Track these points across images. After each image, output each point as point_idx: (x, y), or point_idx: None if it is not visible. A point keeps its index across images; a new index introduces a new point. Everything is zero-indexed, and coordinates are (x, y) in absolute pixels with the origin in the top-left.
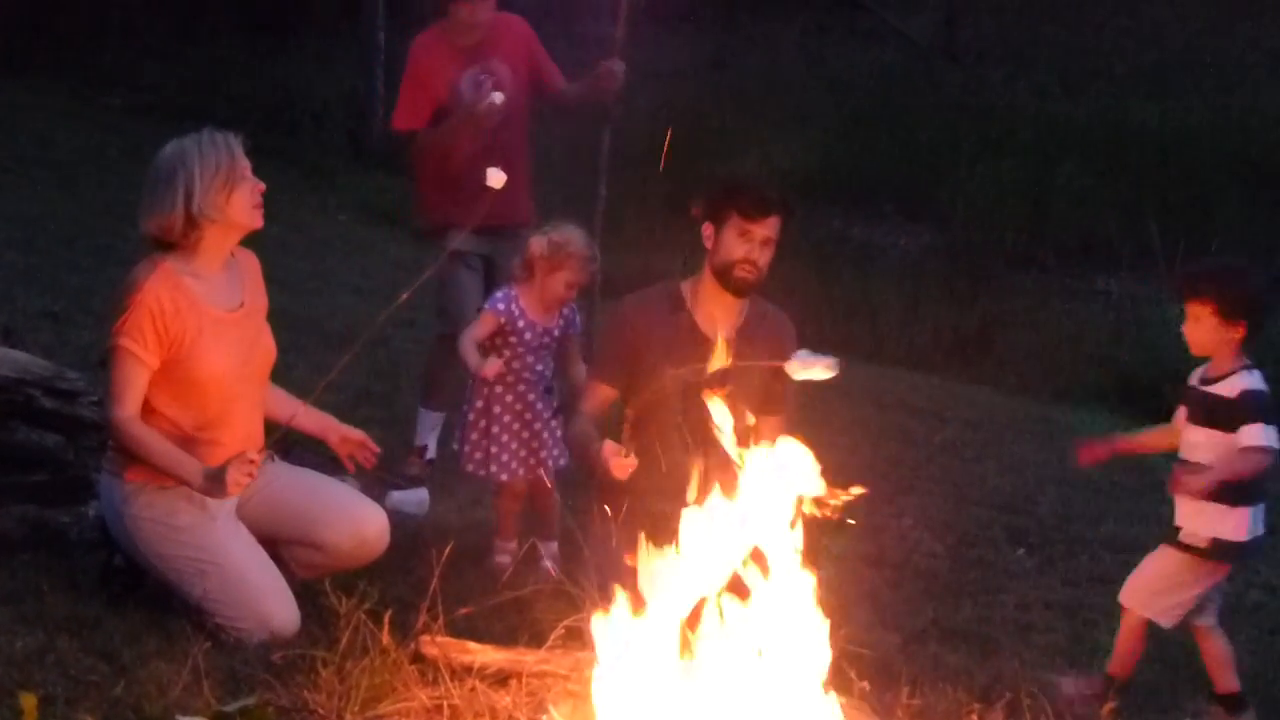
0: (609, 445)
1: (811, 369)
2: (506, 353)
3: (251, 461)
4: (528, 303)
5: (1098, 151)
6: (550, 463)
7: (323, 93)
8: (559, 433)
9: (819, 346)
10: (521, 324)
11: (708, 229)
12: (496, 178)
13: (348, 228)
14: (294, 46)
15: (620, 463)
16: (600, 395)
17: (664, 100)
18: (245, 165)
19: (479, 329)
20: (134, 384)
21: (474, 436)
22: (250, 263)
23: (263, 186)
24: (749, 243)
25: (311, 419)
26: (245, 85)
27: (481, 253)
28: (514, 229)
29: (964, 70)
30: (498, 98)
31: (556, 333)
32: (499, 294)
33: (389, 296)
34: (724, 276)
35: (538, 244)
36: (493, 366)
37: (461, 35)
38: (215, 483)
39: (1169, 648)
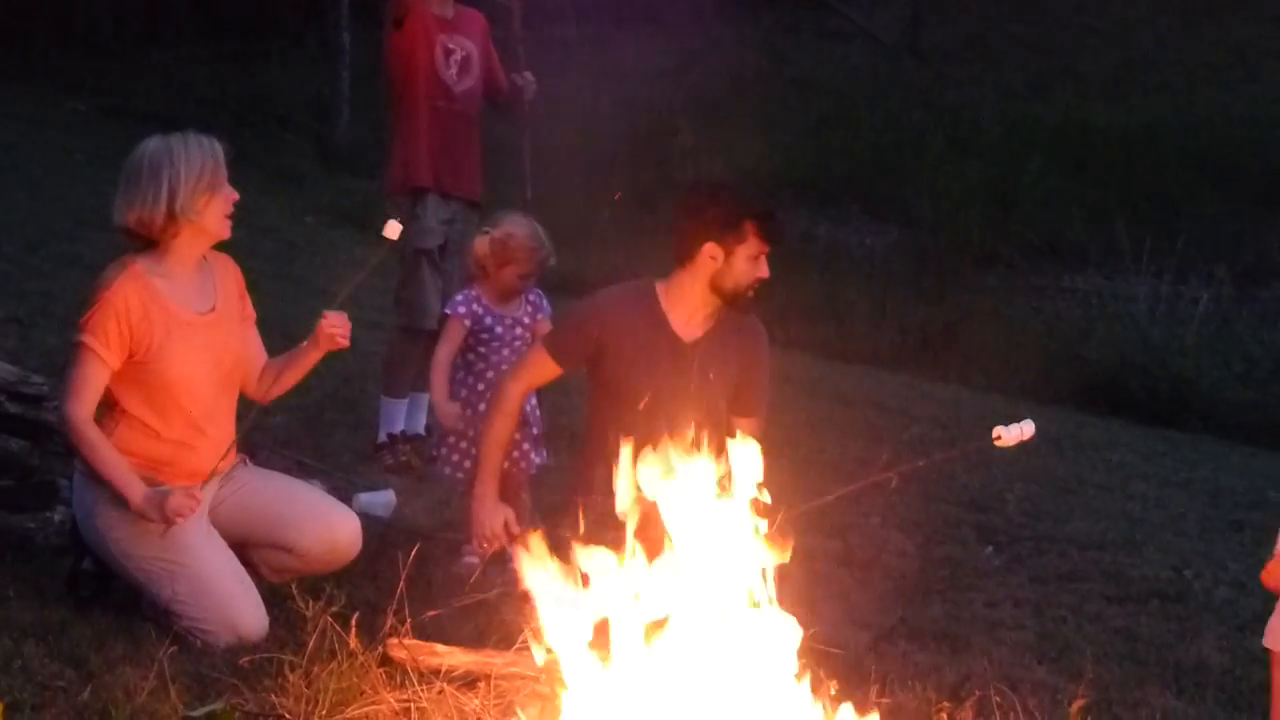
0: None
1: (1015, 434)
2: (481, 349)
3: (194, 497)
4: (489, 298)
5: (1064, 150)
6: (524, 463)
7: (288, 96)
8: (535, 432)
9: (785, 345)
10: (489, 320)
11: (711, 247)
12: (393, 229)
13: (314, 230)
14: (259, 50)
15: (484, 536)
16: (544, 370)
17: (630, 101)
18: (225, 173)
19: (449, 342)
20: (91, 382)
21: (451, 439)
22: (226, 267)
23: (235, 197)
24: (761, 265)
25: (300, 359)
26: (211, 89)
27: (443, 219)
28: (471, 203)
29: (930, 70)
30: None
31: (527, 320)
32: (458, 297)
33: (355, 299)
34: (731, 294)
35: (480, 244)
36: (451, 412)
37: (437, 5)
38: (154, 507)
39: (1138, 646)
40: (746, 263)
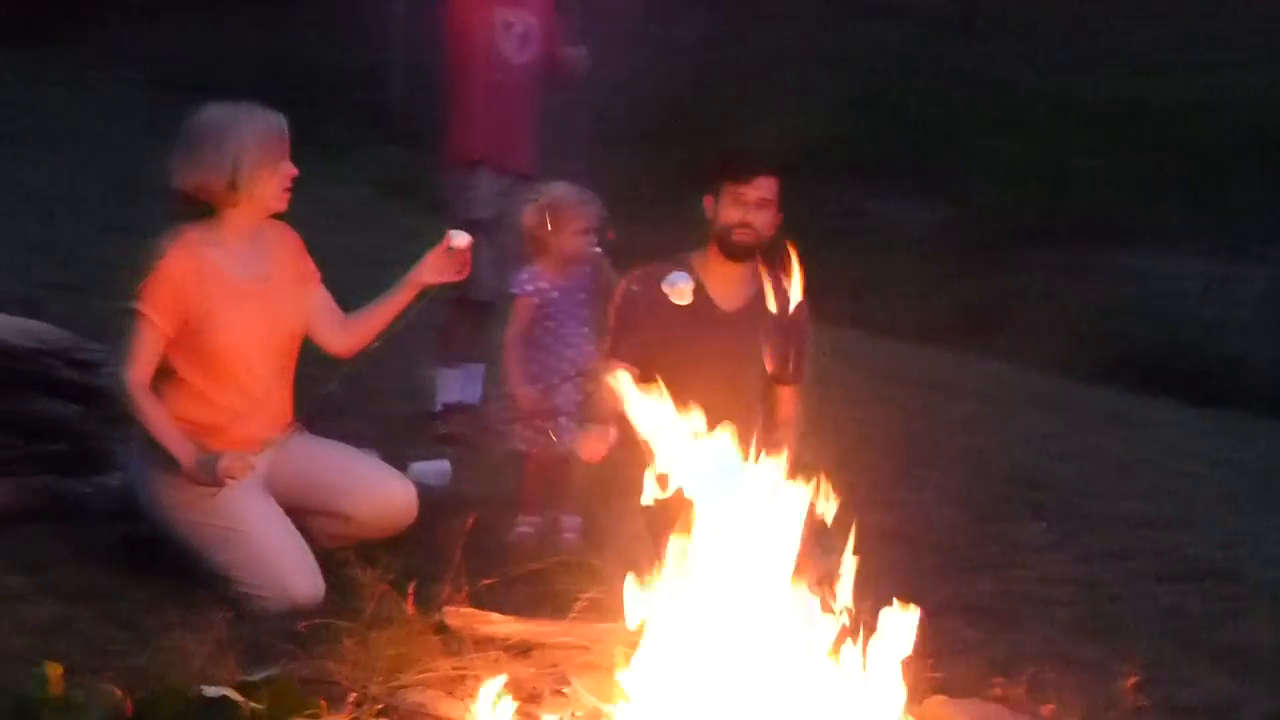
0: (592, 429)
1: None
2: (549, 323)
3: (245, 460)
4: (552, 273)
5: (1113, 126)
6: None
7: (340, 65)
8: (576, 415)
9: (834, 320)
10: (555, 295)
11: (708, 201)
12: (461, 239)
13: (366, 201)
14: (312, 19)
15: (591, 445)
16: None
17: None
18: (287, 147)
19: (518, 322)
20: (146, 350)
21: (526, 414)
22: (282, 234)
23: (294, 172)
24: (743, 206)
25: (394, 301)
26: (262, 58)
27: (500, 190)
28: (525, 177)
29: (978, 45)
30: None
31: (587, 283)
32: (522, 276)
33: (407, 268)
34: (724, 243)
35: (529, 215)
36: (530, 394)
37: None
38: (206, 470)
39: (1189, 624)
40: (728, 205)
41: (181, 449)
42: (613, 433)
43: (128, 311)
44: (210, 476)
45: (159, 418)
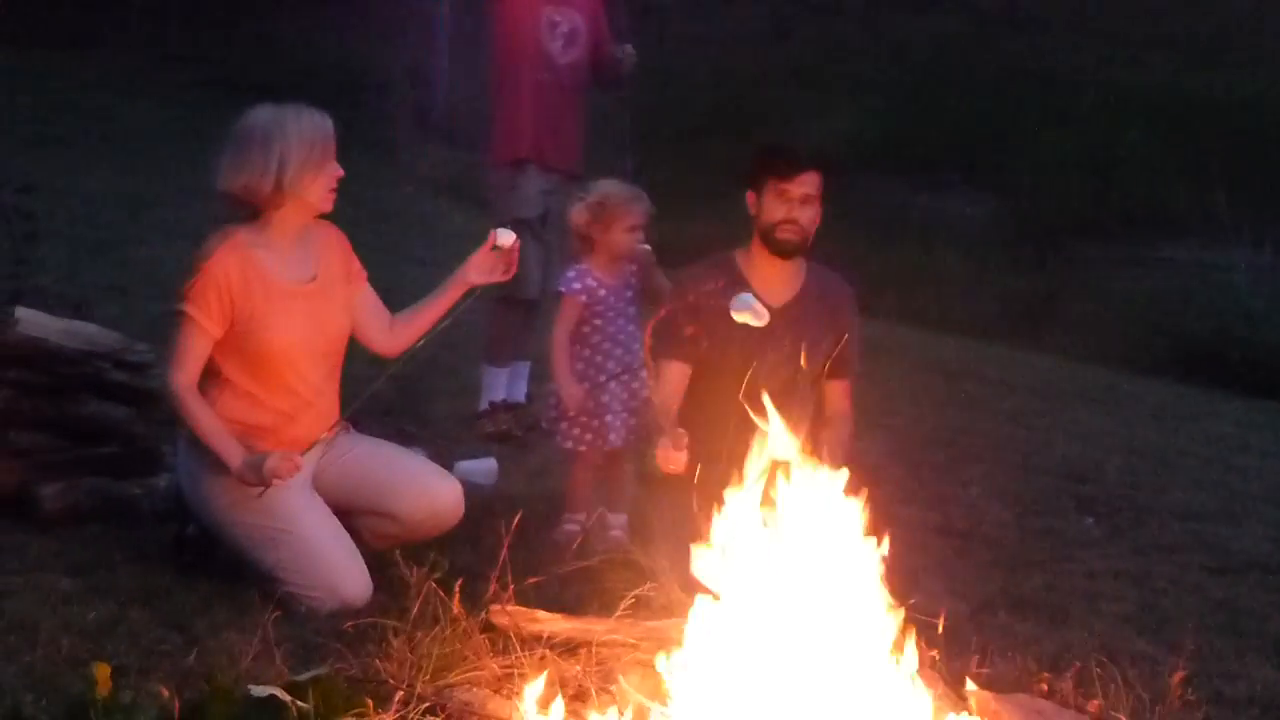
0: (668, 436)
1: (745, 314)
2: (597, 321)
3: (292, 459)
4: (600, 271)
5: (1162, 118)
6: (622, 438)
7: (386, 65)
8: (644, 393)
9: (882, 315)
10: (603, 293)
11: (751, 197)
12: (506, 237)
13: (411, 200)
14: (356, 19)
15: (669, 456)
16: (674, 375)
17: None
18: (333, 149)
19: (566, 321)
20: (193, 351)
21: (574, 413)
22: (329, 235)
23: (340, 173)
24: (787, 202)
25: (443, 299)
26: (308, 58)
27: (546, 189)
28: (572, 175)
29: (1027, 37)
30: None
31: (635, 281)
32: (570, 274)
33: (453, 269)
34: (769, 240)
35: (577, 214)
36: (577, 393)
37: None
38: (254, 471)
39: (1239, 618)
40: (772, 201)
41: (229, 450)
42: (685, 437)
43: (174, 313)
44: (258, 476)
45: (207, 419)
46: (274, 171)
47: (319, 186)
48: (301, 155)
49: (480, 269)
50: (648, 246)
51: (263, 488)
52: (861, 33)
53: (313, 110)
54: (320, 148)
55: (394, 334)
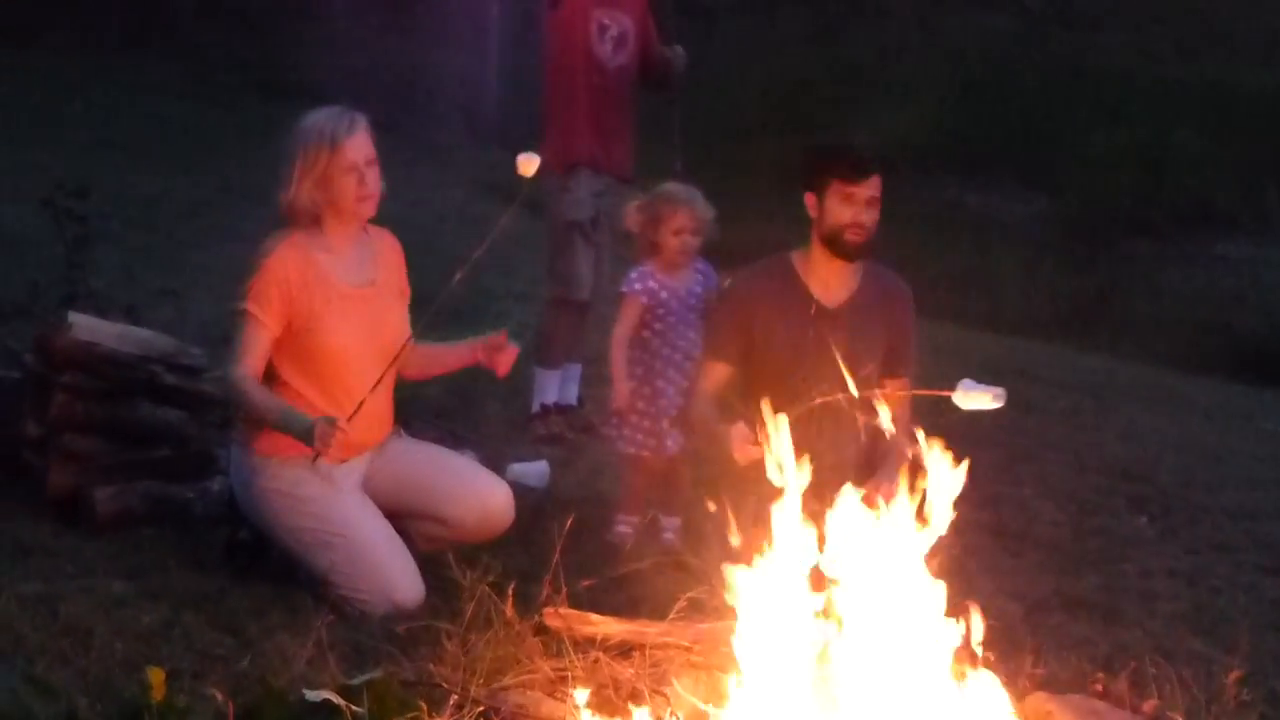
0: (739, 428)
1: (976, 398)
2: (658, 325)
3: (340, 428)
4: (661, 273)
5: (1213, 116)
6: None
7: (438, 69)
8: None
9: (935, 315)
10: (665, 294)
11: (810, 199)
12: (528, 163)
13: (464, 203)
14: (409, 24)
15: (745, 448)
16: (717, 374)
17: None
18: (354, 152)
19: (626, 321)
20: (255, 347)
21: (633, 418)
22: (388, 242)
23: (364, 177)
24: (854, 205)
25: (454, 355)
26: (361, 61)
27: (597, 192)
28: (623, 179)
29: (1078, 36)
30: None
31: (699, 288)
32: (632, 275)
33: (505, 271)
34: (834, 243)
35: (630, 216)
36: (628, 391)
37: None
38: (307, 436)
39: None
40: (837, 204)
41: (294, 420)
42: (751, 431)
43: (235, 311)
44: (321, 443)
45: (267, 397)
46: (295, 184)
47: (342, 193)
48: (307, 164)
49: (485, 356)
50: (705, 264)
51: (316, 455)
52: (911, 32)
53: (330, 113)
54: (328, 155)
55: (415, 361)
